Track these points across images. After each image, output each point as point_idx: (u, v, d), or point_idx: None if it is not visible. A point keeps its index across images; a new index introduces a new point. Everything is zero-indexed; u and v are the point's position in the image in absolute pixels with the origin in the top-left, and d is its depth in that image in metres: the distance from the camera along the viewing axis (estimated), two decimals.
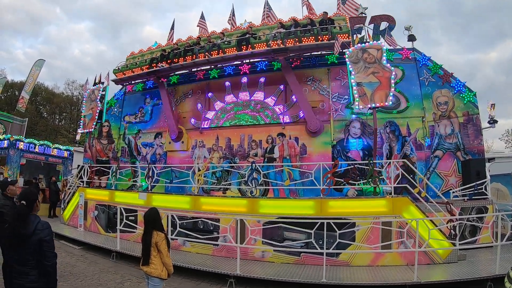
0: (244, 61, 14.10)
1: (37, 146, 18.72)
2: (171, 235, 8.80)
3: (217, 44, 13.39)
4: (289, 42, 11.97)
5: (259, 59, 13.76)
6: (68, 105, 48.51)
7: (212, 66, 14.41)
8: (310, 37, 11.80)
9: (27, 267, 3.44)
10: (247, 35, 13.07)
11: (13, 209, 3.60)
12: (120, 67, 15.83)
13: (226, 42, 13.31)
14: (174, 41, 15.87)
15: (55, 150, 19.97)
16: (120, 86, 17.40)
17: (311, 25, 12.19)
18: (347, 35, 11.46)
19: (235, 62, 14.18)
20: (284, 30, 12.43)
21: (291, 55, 12.61)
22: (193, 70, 15.05)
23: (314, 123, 12.34)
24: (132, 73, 15.24)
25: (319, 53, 12.92)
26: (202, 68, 14.95)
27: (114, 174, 12.83)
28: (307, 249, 8.42)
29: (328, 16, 12.54)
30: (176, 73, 15.31)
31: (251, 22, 14.29)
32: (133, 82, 16.47)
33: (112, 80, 15.80)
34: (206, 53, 13.26)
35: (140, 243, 4.81)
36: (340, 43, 10.88)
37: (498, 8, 65.56)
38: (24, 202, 3.60)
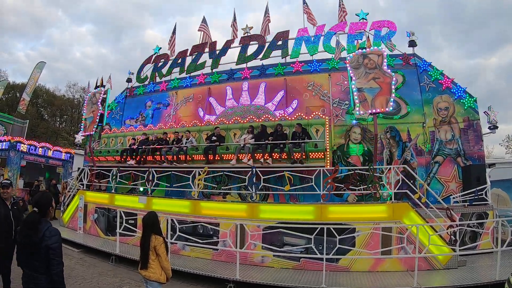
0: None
1: (39, 149, 18.74)
2: (171, 239, 8.77)
3: (183, 149, 12.45)
4: (258, 156, 11.22)
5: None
6: (69, 108, 48.60)
7: None
8: (282, 153, 11.00)
9: (37, 272, 3.44)
10: (214, 138, 12.14)
11: (18, 215, 3.57)
12: (100, 149, 15.48)
13: (192, 148, 12.39)
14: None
15: (57, 152, 19.99)
16: (121, 90, 17.50)
17: (282, 136, 11.29)
18: (322, 153, 10.83)
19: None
20: (253, 140, 11.55)
21: None
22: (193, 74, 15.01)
23: None
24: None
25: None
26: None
27: (114, 177, 12.82)
28: (307, 254, 8.40)
29: (302, 122, 11.64)
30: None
31: (219, 120, 13.70)
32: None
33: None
34: (174, 156, 12.46)
35: (139, 247, 4.80)
36: (341, 48, 10.91)
37: (499, 14, 65.94)
38: (36, 209, 3.55)
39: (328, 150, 10.86)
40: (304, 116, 11.97)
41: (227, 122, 13.14)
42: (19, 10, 66.89)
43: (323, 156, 10.70)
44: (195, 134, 13.15)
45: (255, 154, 11.15)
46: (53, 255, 3.46)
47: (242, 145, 11.39)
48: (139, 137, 14.12)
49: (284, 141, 10.96)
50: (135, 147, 13.37)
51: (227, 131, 12.79)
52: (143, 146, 13.12)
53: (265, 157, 10.99)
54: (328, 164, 10.68)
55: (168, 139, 13.19)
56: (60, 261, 3.53)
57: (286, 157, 10.99)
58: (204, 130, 13.31)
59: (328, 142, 11.02)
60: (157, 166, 12.58)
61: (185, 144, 12.46)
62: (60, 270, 3.51)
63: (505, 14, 64.67)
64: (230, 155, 11.59)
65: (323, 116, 11.72)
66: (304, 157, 10.74)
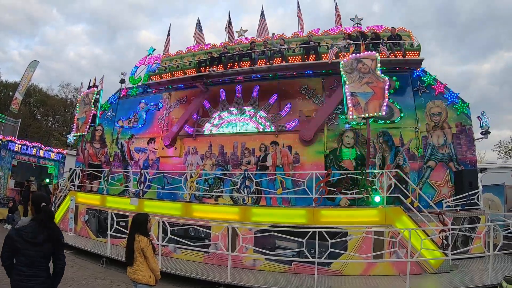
0: (306, 72, 13.27)
1: (31, 148, 18.51)
2: (162, 241, 8.70)
3: (280, 50, 12.55)
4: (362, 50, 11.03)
5: (324, 71, 12.70)
6: (62, 108, 48.17)
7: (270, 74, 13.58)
8: (382, 52, 11.12)
9: (38, 269, 3.48)
10: (311, 43, 12.33)
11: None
12: (157, 70, 15.01)
13: (288, 50, 12.51)
14: (219, 43, 15.01)
15: (49, 152, 19.77)
16: (114, 90, 17.36)
17: (376, 39, 11.82)
18: (417, 52, 11.50)
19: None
20: (352, 42, 11.65)
21: None
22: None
23: (307, 131, 12.35)
24: (171, 76, 14.18)
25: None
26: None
27: (106, 178, 12.71)
28: (298, 258, 8.36)
29: (395, 31, 12.30)
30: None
31: (310, 31, 13.60)
32: (172, 86, 15.39)
33: (147, 84, 15.37)
34: (268, 59, 12.46)
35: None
36: (334, 52, 10.95)
37: (492, 19, 66.71)
38: (44, 204, 3.70)
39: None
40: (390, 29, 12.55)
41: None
42: (14, 8, 66.28)
43: (300, 60, 11.70)
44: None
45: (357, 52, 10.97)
46: (61, 246, 3.69)
47: (345, 44, 11.86)
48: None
49: None
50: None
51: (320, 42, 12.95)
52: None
53: None
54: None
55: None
56: (64, 254, 3.75)
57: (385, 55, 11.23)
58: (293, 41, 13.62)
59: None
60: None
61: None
62: (65, 262, 3.72)
63: (498, 19, 65.53)
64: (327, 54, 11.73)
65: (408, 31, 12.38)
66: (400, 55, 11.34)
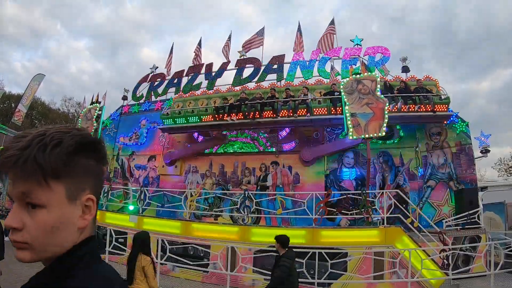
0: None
1: None
2: (161, 259, 8.67)
3: (306, 101, 11.86)
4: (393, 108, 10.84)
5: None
6: (63, 122, 48.30)
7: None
8: (411, 105, 10.97)
9: None
10: (336, 94, 11.56)
11: None
12: (170, 113, 14.04)
13: (314, 100, 11.98)
14: (237, 88, 14.45)
15: None
16: (115, 107, 17.48)
17: (405, 90, 11.43)
18: (446, 105, 11.13)
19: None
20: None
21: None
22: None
23: (307, 152, 12.39)
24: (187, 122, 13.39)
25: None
26: None
27: (105, 194, 12.70)
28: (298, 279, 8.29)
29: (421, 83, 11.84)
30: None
31: (335, 78, 13.09)
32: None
33: (161, 128, 14.43)
34: (291, 111, 11.79)
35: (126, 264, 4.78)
36: (335, 73, 11.08)
37: (489, 38, 67.44)
38: None
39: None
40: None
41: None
42: (19, 20, 67.09)
43: (326, 112, 11.43)
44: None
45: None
46: None
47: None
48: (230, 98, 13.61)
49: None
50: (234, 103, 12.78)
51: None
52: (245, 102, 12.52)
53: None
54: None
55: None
56: None
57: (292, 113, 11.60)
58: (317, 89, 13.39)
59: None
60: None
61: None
62: None
63: (495, 38, 66.28)
64: None
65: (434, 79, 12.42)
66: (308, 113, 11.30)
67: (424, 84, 11.90)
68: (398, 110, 10.82)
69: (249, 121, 12.31)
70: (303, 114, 11.69)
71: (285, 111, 11.99)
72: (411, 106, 10.97)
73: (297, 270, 8.16)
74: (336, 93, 11.58)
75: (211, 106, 13.48)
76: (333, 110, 11.39)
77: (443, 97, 11.48)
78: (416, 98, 11.13)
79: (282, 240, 5.47)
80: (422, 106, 10.94)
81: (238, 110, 12.48)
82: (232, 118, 12.37)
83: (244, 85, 14.45)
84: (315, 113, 11.71)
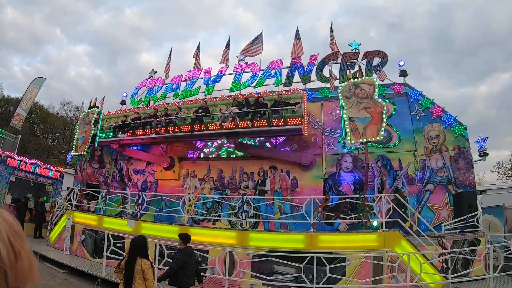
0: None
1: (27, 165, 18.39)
2: (159, 264, 8.62)
3: (173, 120, 13.07)
4: (241, 124, 11.71)
5: (211, 139, 13.89)
6: (62, 126, 48.26)
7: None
8: (262, 120, 11.55)
9: None
10: (200, 111, 12.74)
11: None
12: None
13: (180, 119, 13.06)
14: (154, 105, 15.68)
15: (46, 170, 19.67)
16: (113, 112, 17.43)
17: (263, 106, 12.00)
18: (299, 119, 11.28)
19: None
20: (238, 110, 12.10)
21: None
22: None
23: (306, 156, 12.38)
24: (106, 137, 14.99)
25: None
26: None
27: (103, 199, 12.67)
28: (296, 283, 8.26)
29: (283, 95, 12.30)
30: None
31: (207, 97, 14.46)
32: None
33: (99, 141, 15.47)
34: (163, 128, 13.08)
35: (124, 268, 4.77)
36: (334, 78, 11.09)
37: (487, 43, 67.71)
38: None
39: (305, 117, 11.56)
40: (284, 92, 12.50)
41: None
42: (19, 26, 67.15)
43: (300, 123, 11.14)
44: (184, 111, 13.64)
45: (238, 122, 11.70)
46: None
47: (226, 114, 11.92)
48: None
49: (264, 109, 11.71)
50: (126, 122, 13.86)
51: (214, 107, 13.31)
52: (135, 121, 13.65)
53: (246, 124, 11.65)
54: (305, 130, 11.33)
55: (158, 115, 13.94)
56: None
57: (266, 123, 11.40)
58: (192, 108, 13.76)
59: (305, 110, 11.70)
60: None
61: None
62: None
63: (493, 43, 66.57)
64: (214, 124, 12.23)
65: (300, 92, 12.33)
66: (282, 123, 11.10)
67: (290, 98, 12.15)
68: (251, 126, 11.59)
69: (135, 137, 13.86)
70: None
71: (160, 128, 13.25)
72: (262, 121, 11.51)
73: (296, 274, 8.18)
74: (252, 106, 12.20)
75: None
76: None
77: (298, 112, 11.48)
78: (267, 113, 11.57)
79: (183, 238, 6.39)
80: (274, 120, 11.35)
81: (128, 128, 13.97)
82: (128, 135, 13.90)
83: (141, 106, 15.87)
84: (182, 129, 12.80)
